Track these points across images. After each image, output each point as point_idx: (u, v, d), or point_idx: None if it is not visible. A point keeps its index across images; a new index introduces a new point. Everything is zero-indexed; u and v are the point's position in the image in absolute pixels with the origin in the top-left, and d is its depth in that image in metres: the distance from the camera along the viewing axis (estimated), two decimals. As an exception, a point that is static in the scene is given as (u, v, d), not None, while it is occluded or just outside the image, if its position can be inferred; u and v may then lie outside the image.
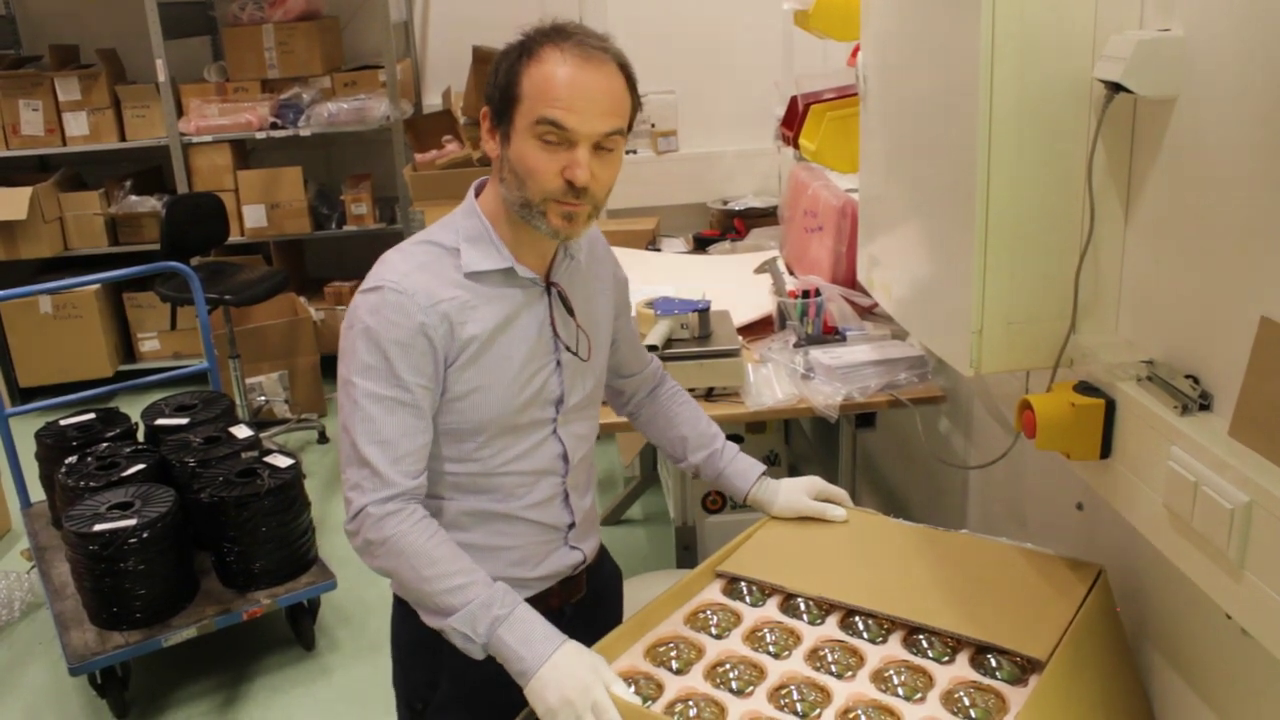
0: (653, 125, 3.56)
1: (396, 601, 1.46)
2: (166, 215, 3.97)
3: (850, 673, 1.26)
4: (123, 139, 4.55)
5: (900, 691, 1.22)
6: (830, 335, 2.25)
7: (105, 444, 3.00)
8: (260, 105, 4.47)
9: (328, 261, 5.07)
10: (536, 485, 1.40)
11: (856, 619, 1.36)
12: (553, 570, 1.45)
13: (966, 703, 1.20)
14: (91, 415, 3.19)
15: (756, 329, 2.38)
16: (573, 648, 1.21)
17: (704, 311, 2.12)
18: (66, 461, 2.89)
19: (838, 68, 2.50)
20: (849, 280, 2.43)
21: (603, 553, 1.59)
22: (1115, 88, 1.24)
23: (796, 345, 2.21)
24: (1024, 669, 1.25)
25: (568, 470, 1.43)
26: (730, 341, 2.10)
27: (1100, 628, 1.35)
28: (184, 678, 2.78)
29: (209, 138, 4.46)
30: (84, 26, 4.77)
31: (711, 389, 2.08)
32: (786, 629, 1.35)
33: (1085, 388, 1.34)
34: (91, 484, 2.73)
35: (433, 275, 1.29)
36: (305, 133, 4.46)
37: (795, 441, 3.05)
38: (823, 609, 1.39)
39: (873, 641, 1.32)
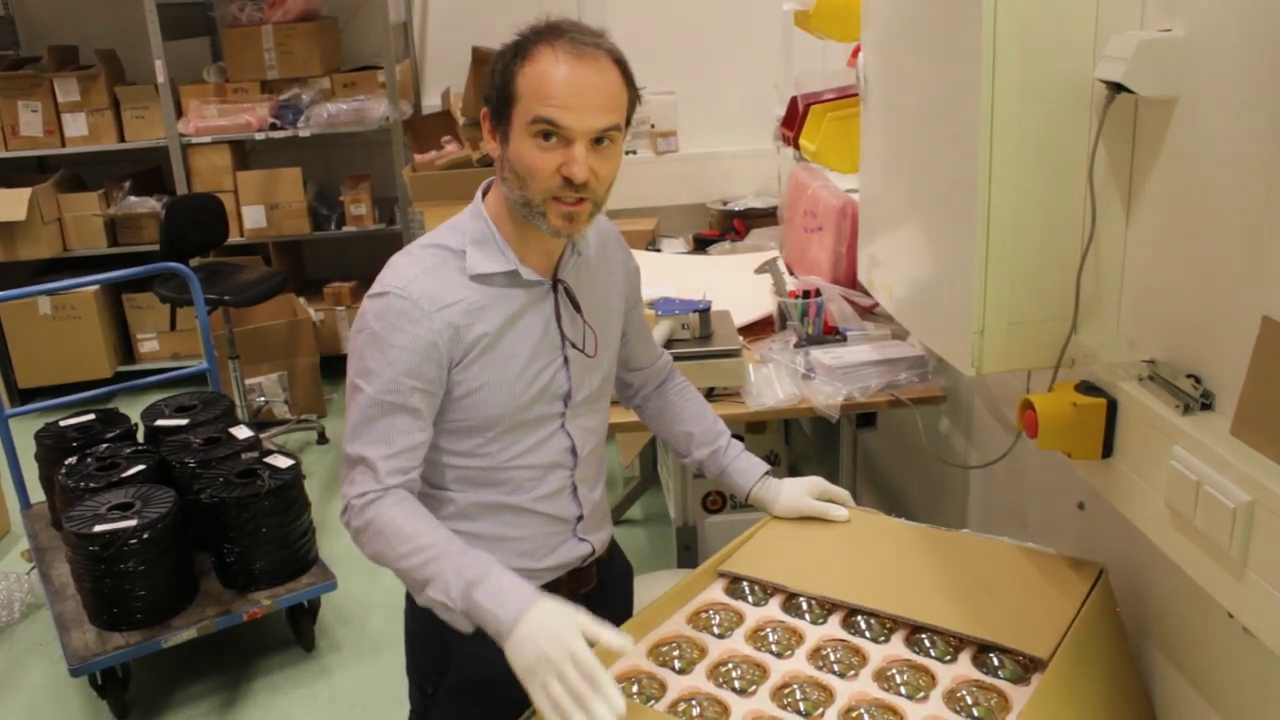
0: (652, 126, 3.57)
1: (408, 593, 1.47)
2: (166, 216, 3.97)
3: (853, 672, 1.26)
4: (122, 140, 4.55)
5: (903, 690, 1.22)
6: (831, 335, 2.25)
7: (105, 445, 3.00)
8: (259, 106, 4.47)
9: (327, 262, 5.07)
10: (545, 478, 1.42)
11: (859, 618, 1.36)
12: (561, 561, 1.46)
13: (969, 701, 1.20)
14: (91, 416, 3.19)
15: (757, 329, 2.39)
16: (547, 602, 1.17)
17: (705, 312, 2.12)
18: (66, 462, 2.89)
19: (837, 68, 2.50)
20: (849, 280, 2.44)
21: (614, 547, 1.60)
22: (1116, 88, 1.24)
23: (797, 345, 2.21)
24: (1026, 668, 1.25)
25: (576, 463, 1.44)
26: (731, 341, 2.11)
27: (1102, 627, 1.35)
28: (184, 679, 2.78)
29: (208, 138, 4.46)
30: (83, 27, 4.77)
31: (712, 389, 2.08)
32: (789, 628, 1.35)
33: (1087, 387, 1.35)
34: (91, 485, 2.73)
35: (438, 279, 1.31)
36: (304, 133, 4.46)
37: (795, 441, 3.06)
38: (825, 608, 1.39)
39: (875, 641, 1.32)
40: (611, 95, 1.25)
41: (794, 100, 2.33)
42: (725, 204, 3.52)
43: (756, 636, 1.34)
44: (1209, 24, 1.14)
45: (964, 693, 1.21)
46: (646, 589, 1.76)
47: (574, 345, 1.40)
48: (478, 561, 1.23)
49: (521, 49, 1.25)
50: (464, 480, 1.39)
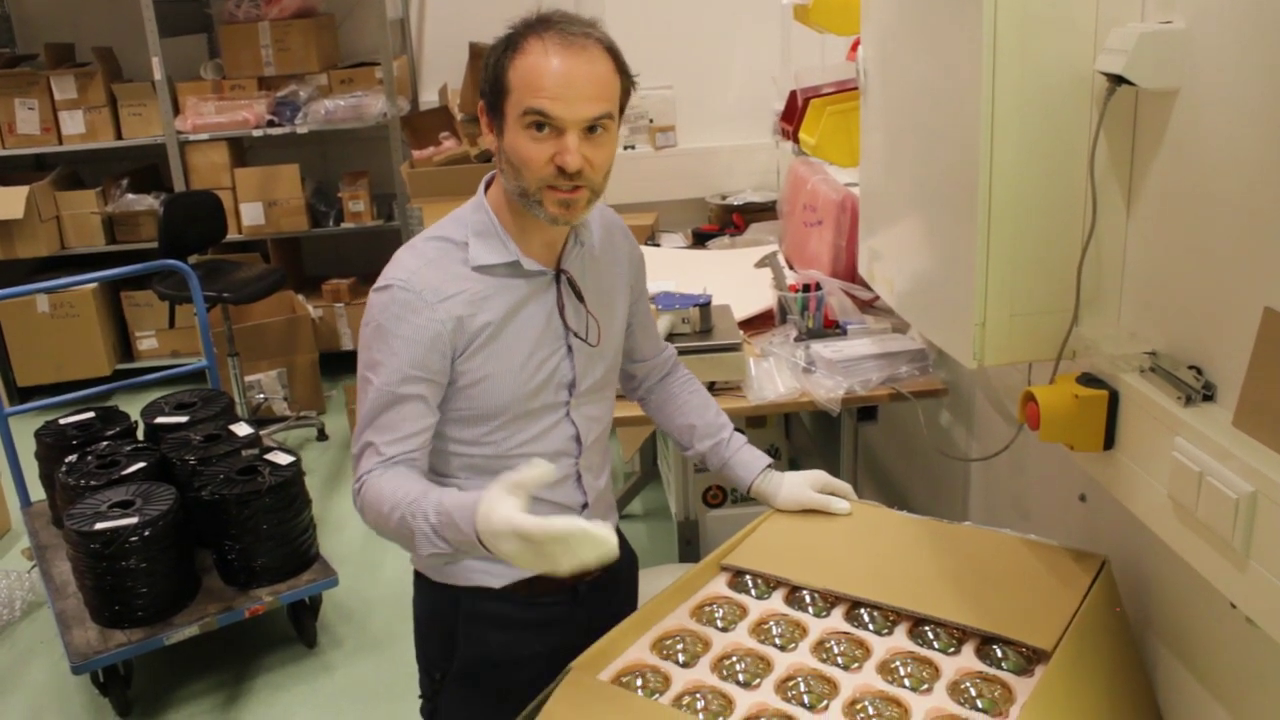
0: (651, 121, 3.56)
1: (415, 574, 1.50)
2: (164, 213, 3.97)
3: (857, 664, 1.26)
4: (119, 137, 4.54)
5: (907, 683, 1.23)
6: (831, 329, 2.25)
7: (105, 442, 3.00)
8: (257, 103, 4.47)
9: (325, 259, 5.07)
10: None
11: (862, 611, 1.37)
12: None
13: (973, 693, 1.20)
14: (91, 414, 3.19)
15: (757, 323, 2.39)
16: (483, 503, 1.15)
17: (705, 306, 2.12)
18: (67, 460, 2.89)
19: (836, 62, 2.50)
20: (849, 274, 2.44)
21: (619, 536, 1.59)
22: (1117, 80, 1.24)
23: (797, 339, 2.21)
24: (1030, 660, 1.26)
25: (581, 452, 1.46)
26: (731, 336, 2.11)
27: (1105, 618, 1.35)
28: (186, 676, 2.78)
29: (206, 136, 4.46)
30: (79, 25, 4.76)
31: (713, 383, 2.08)
32: (792, 621, 1.36)
33: (1088, 379, 1.35)
34: (92, 482, 2.73)
35: (441, 271, 1.32)
36: (302, 130, 4.46)
37: (795, 436, 3.06)
38: (828, 601, 1.39)
39: (878, 633, 1.33)
40: (602, 84, 1.26)
41: (793, 94, 2.33)
42: (724, 198, 3.51)
43: (760, 630, 1.35)
44: (1210, 16, 1.14)
45: (968, 684, 1.22)
46: (649, 583, 1.76)
47: (577, 335, 1.41)
48: (432, 502, 1.22)
49: (512, 42, 1.27)
50: (470, 468, 1.41)
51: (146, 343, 4.79)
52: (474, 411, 1.37)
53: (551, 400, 1.41)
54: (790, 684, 1.23)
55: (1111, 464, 1.35)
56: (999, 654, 1.27)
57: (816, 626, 1.34)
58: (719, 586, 1.45)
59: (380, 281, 1.33)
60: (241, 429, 3.00)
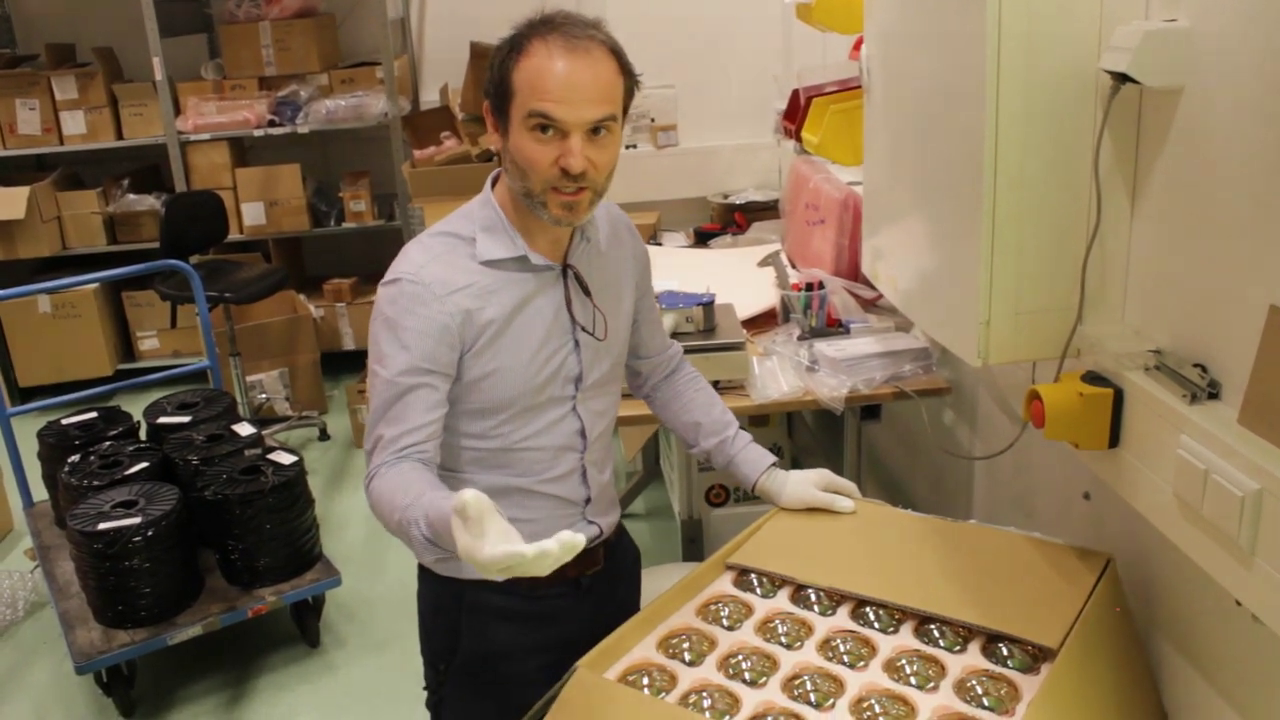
0: (652, 120, 3.56)
1: (419, 567, 1.50)
2: (166, 213, 3.97)
3: (863, 663, 1.26)
4: (120, 138, 4.54)
5: (913, 681, 1.23)
6: (834, 328, 2.25)
7: (108, 443, 3.00)
8: (258, 103, 4.47)
9: (326, 259, 5.07)
10: (555, 461, 1.44)
11: (867, 609, 1.37)
12: None
13: (979, 691, 1.20)
14: (93, 414, 3.19)
15: (760, 322, 2.39)
16: (462, 554, 1.10)
17: (708, 305, 2.12)
18: (69, 460, 2.89)
19: (838, 60, 2.49)
20: (852, 273, 2.44)
21: (622, 530, 1.62)
22: (1121, 78, 1.24)
23: (800, 338, 2.21)
24: (1035, 658, 1.26)
25: (586, 446, 1.47)
26: (735, 335, 2.11)
27: (1110, 616, 1.36)
28: (189, 676, 2.78)
29: (207, 136, 4.45)
30: (80, 25, 4.76)
31: (717, 382, 2.08)
32: (798, 620, 1.36)
33: (1093, 377, 1.35)
34: (95, 483, 2.73)
35: (449, 265, 1.33)
36: (303, 130, 4.46)
37: (798, 434, 3.06)
38: (833, 600, 1.39)
39: (884, 631, 1.33)
40: (606, 86, 1.27)
41: (795, 93, 2.33)
42: (726, 197, 3.51)
43: (766, 628, 1.35)
44: (1214, 14, 1.14)
45: (974, 682, 1.22)
46: (654, 582, 1.76)
47: (584, 329, 1.42)
48: (419, 501, 1.19)
49: (516, 44, 1.27)
50: (477, 462, 1.42)
51: (148, 343, 4.79)
52: (481, 405, 1.38)
53: (558, 394, 1.42)
54: (797, 682, 1.23)
55: (1116, 462, 1.35)
56: (1004, 652, 1.27)
57: (822, 625, 1.34)
58: (724, 585, 1.45)
59: (389, 275, 1.34)
60: (244, 429, 3.00)
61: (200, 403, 3.19)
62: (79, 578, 2.65)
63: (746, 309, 2.36)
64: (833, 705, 1.19)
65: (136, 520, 2.51)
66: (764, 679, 1.24)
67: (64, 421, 3.15)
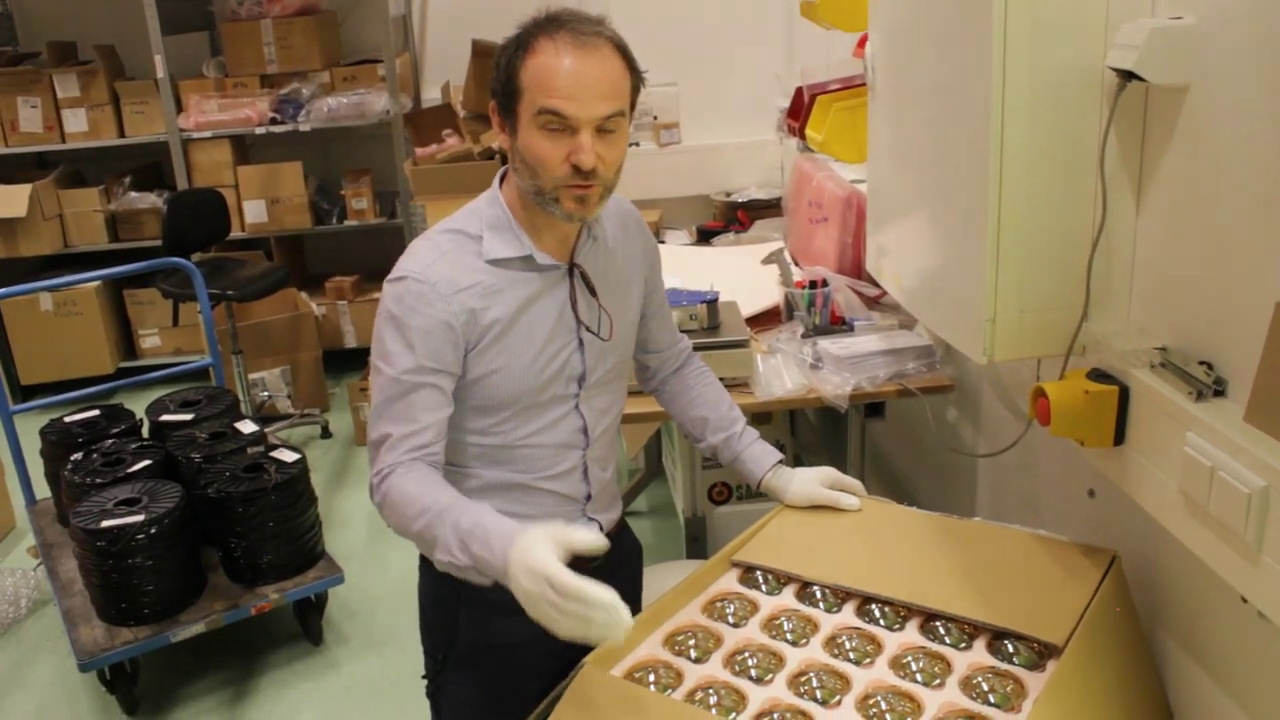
0: (655, 118, 3.56)
1: (420, 558, 1.50)
2: (168, 211, 3.97)
3: (869, 659, 1.27)
4: (122, 135, 4.54)
5: (919, 678, 1.23)
6: (837, 325, 2.25)
7: (110, 440, 3.00)
8: (259, 100, 4.47)
9: (328, 256, 5.07)
10: (557, 458, 1.45)
11: (873, 606, 1.37)
12: None
13: (985, 688, 1.20)
14: (96, 412, 3.19)
15: (764, 320, 2.39)
16: (527, 535, 1.17)
17: (712, 303, 2.12)
18: (72, 458, 2.89)
19: (842, 58, 2.49)
20: (855, 270, 2.44)
21: (623, 525, 1.62)
22: (1128, 76, 1.24)
23: (804, 336, 2.21)
24: (1041, 654, 1.26)
25: (588, 443, 1.47)
26: (739, 332, 2.11)
27: (1116, 614, 1.36)
28: (192, 673, 2.79)
29: (208, 133, 4.46)
30: (82, 23, 4.75)
31: (721, 379, 2.08)
32: (804, 617, 1.36)
33: (1098, 375, 1.35)
34: (98, 480, 2.73)
35: (455, 263, 1.34)
36: (305, 128, 4.46)
37: (801, 432, 3.06)
38: (839, 597, 1.40)
39: (890, 628, 1.33)
40: (614, 82, 1.28)
41: (799, 91, 2.33)
42: (728, 195, 3.52)
43: (771, 625, 1.35)
44: (1221, 11, 1.14)
45: (980, 679, 1.22)
46: (658, 580, 1.76)
47: (589, 329, 1.42)
48: (466, 513, 1.23)
49: (523, 42, 1.28)
50: (478, 458, 1.42)
51: (149, 341, 4.80)
52: (483, 403, 1.38)
53: (561, 393, 1.42)
54: (803, 679, 1.23)
55: (1122, 459, 1.35)
56: (1010, 649, 1.27)
57: (828, 622, 1.34)
58: (730, 582, 1.45)
59: (395, 272, 1.34)
60: (247, 426, 3.00)
61: (203, 400, 3.19)
62: (82, 575, 2.65)
63: (750, 307, 2.36)
64: (839, 702, 1.19)
65: (139, 518, 2.51)
66: (770, 676, 1.25)
67: (66, 419, 3.16)
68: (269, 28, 4.44)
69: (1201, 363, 1.21)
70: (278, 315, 4.34)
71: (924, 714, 1.17)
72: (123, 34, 4.61)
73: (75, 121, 4.50)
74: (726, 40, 3.51)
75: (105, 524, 2.49)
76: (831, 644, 1.30)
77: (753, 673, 1.26)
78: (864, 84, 1.91)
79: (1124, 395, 1.32)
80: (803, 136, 2.32)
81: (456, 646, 1.49)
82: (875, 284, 2.18)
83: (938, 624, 1.33)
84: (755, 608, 1.39)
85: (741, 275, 2.61)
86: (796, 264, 2.70)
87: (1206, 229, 1.20)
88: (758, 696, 1.21)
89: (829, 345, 2.12)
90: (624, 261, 1.49)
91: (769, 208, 3.34)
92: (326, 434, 4.22)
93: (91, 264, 3.91)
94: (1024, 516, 1.88)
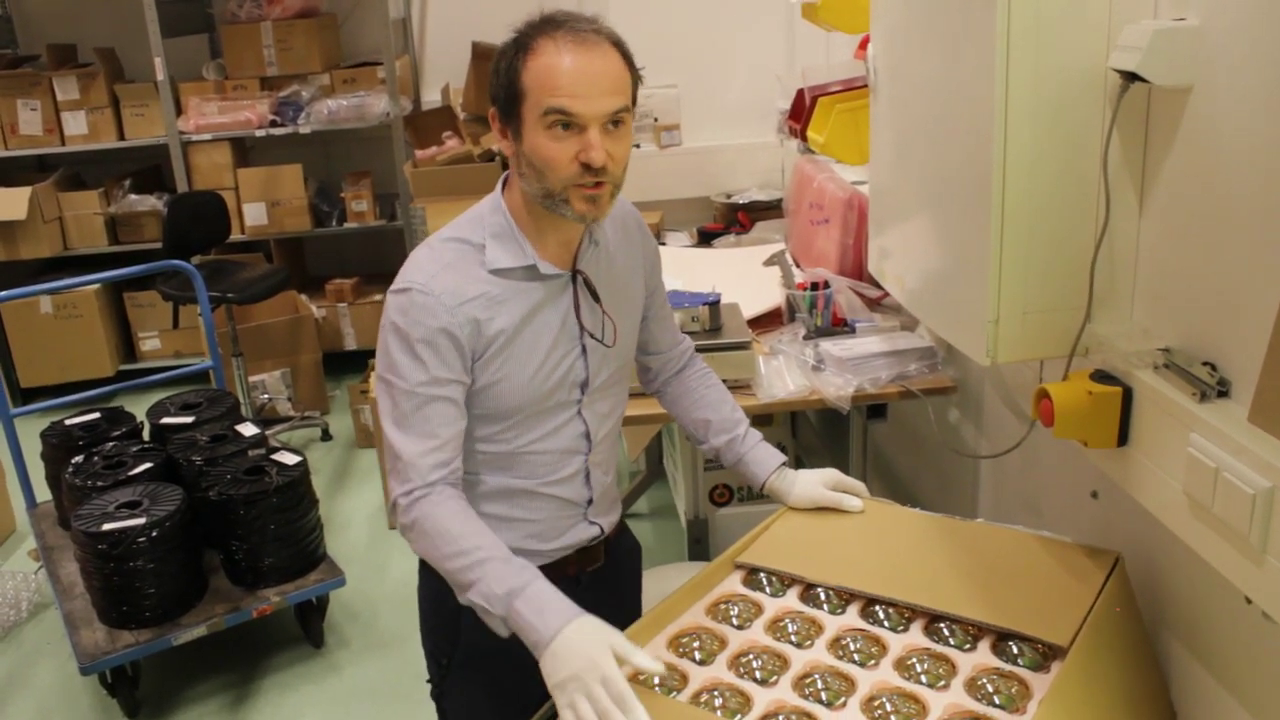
0: (655, 119, 3.56)
1: (420, 563, 1.49)
2: (168, 214, 3.97)
3: (873, 661, 1.27)
4: (122, 138, 4.54)
5: (924, 679, 1.23)
6: (839, 327, 2.25)
7: (111, 443, 2.99)
8: (259, 103, 4.47)
9: (328, 259, 5.07)
10: (560, 463, 1.44)
11: (877, 608, 1.37)
12: (570, 543, 1.49)
13: (990, 689, 1.20)
14: (97, 415, 3.19)
15: (765, 321, 2.39)
16: (586, 622, 1.19)
17: (714, 304, 2.12)
18: (73, 461, 2.89)
19: (842, 60, 2.50)
20: (856, 272, 2.44)
21: (623, 526, 1.62)
22: (1131, 77, 1.24)
23: (806, 337, 2.21)
24: (1045, 656, 1.26)
25: (591, 448, 1.46)
26: (741, 334, 2.11)
27: (1119, 615, 1.36)
28: (194, 676, 2.78)
29: (208, 136, 4.45)
30: (81, 26, 4.75)
31: (723, 381, 2.08)
32: (808, 619, 1.36)
33: (1102, 376, 1.35)
34: (99, 483, 2.73)
35: (459, 273, 1.33)
36: (305, 130, 4.46)
37: (802, 434, 3.06)
38: (843, 598, 1.39)
39: (894, 630, 1.33)
40: (617, 78, 1.27)
41: (800, 92, 2.33)
42: (729, 197, 3.52)
43: (776, 627, 1.35)
44: (1223, 12, 1.14)
45: (985, 681, 1.22)
46: (661, 582, 1.76)
47: (593, 336, 1.41)
48: (520, 572, 1.25)
49: (522, 44, 1.27)
50: (485, 464, 1.42)
51: (149, 343, 4.79)
52: (488, 411, 1.38)
53: (564, 399, 1.42)
54: (808, 681, 1.23)
55: (1125, 460, 1.35)
56: (1015, 650, 1.27)
57: (832, 624, 1.34)
58: (734, 584, 1.45)
59: (398, 283, 1.33)
60: (248, 429, 3.00)
61: (203, 403, 3.19)
62: (83, 578, 2.65)
63: (751, 308, 2.36)
64: (844, 704, 1.19)
65: (141, 521, 2.51)
66: (775, 678, 1.24)
67: (67, 422, 3.15)
68: (269, 30, 4.44)
69: (1205, 364, 1.21)
70: (278, 318, 4.34)
71: (929, 715, 1.17)
72: (122, 36, 4.61)
73: (75, 124, 4.50)
74: (727, 42, 3.52)
75: (106, 527, 2.49)
76: (836, 646, 1.30)
77: (757, 675, 1.25)
78: (865, 85, 1.91)
79: (1127, 396, 1.32)
80: (804, 138, 2.32)
81: (459, 651, 1.49)
82: (877, 285, 2.18)
83: (942, 625, 1.33)
84: (759, 610, 1.39)
85: (743, 277, 2.61)
86: (798, 266, 2.70)
87: (1209, 230, 1.20)
88: (763, 698, 1.21)
89: (831, 347, 2.12)
90: (625, 265, 1.49)
91: (769, 209, 3.34)
92: (327, 436, 4.22)
93: (91, 267, 3.90)
94: (1026, 518, 1.88)
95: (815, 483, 1.58)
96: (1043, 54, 1.29)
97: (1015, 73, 1.29)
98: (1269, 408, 1.10)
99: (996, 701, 1.19)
